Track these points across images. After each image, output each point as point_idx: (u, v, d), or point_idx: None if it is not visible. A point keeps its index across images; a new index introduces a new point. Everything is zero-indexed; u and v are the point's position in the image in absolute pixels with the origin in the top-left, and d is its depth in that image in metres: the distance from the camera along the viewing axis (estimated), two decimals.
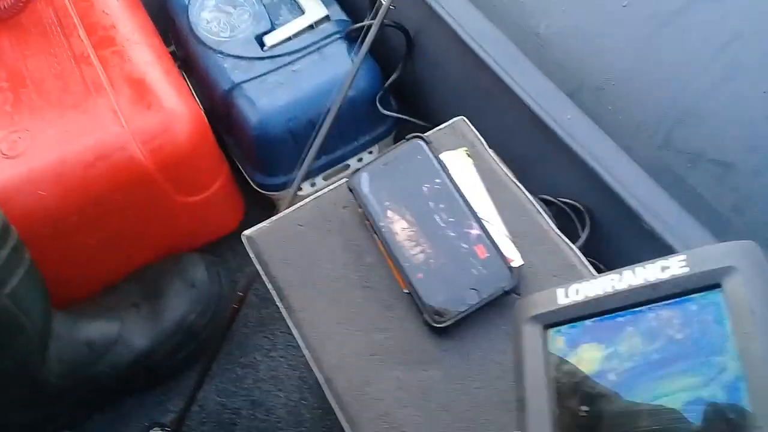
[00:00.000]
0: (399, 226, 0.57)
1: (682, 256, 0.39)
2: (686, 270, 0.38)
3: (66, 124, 0.88)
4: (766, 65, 0.61)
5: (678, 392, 0.36)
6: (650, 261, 0.40)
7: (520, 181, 0.61)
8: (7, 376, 0.85)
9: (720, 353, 0.36)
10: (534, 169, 0.73)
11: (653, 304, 0.39)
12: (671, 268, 0.39)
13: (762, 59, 0.61)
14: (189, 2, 1.05)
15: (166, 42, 1.06)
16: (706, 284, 0.37)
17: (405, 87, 1.00)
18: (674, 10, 0.66)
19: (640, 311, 0.40)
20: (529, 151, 0.76)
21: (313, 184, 1.02)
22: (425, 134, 0.62)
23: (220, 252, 1.07)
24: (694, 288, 0.38)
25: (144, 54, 0.96)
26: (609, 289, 0.41)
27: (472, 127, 0.64)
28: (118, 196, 0.89)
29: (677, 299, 0.38)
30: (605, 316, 0.41)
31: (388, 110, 0.96)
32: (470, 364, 0.53)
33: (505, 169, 0.62)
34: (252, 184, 1.04)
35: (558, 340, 0.43)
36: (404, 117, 0.96)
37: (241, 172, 1.05)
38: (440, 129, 0.65)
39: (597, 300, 0.41)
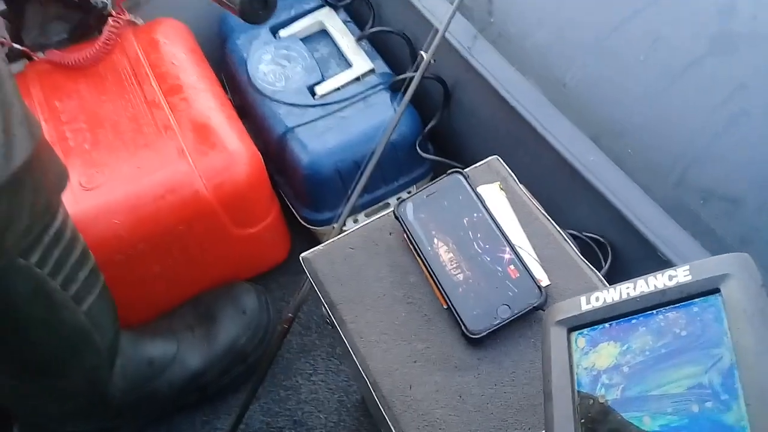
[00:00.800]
0: (440, 250, 0.64)
1: (686, 267, 0.45)
2: (689, 278, 0.45)
3: (138, 161, 0.98)
4: None
5: (682, 379, 0.42)
6: (659, 271, 0.46)
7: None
8: (77, 389, 0.92)
9: (718, 346, 0.42)
10: (560, 206, 0.80)
11: (662, 308, 0.45)
12: (677, 276, 0.45)
13: (765, 107, 0.68)
14: (247, 56, 1.16)
15: (225, 89, 1.16)
16: (706, 289, 0.44)
17: (442, 132, 1.08)
18: (686, 63, 0.74)
19: (651, 314, 0.46)
20: (555, 190, 0.83)
21: (355, 221, 1.10)
22: (464, 170, 0.69)
23: (267, 283, 1.14)
24: (696, 293, 0.44)
25: (208, 100, 1.06)
26: (624, 296, 0.47)
27: (505, 165, 0.72)
28: (183, 227, 0.98)
29: (682, 303, 0.45)
30: (621, 319, 0.47)
31: (426, 153, 1.04)
32: (502, 371, 0.59)
33: (535, 202, 0.69)
34: (299, 219, 1.12)
35: (580, 340, 0.49)
36: (441, 159, 1.04)
37: (290, 209, 1.14)
38: (477, 166, 0.72)
39: (614, 305, 0.48)
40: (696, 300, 0.44)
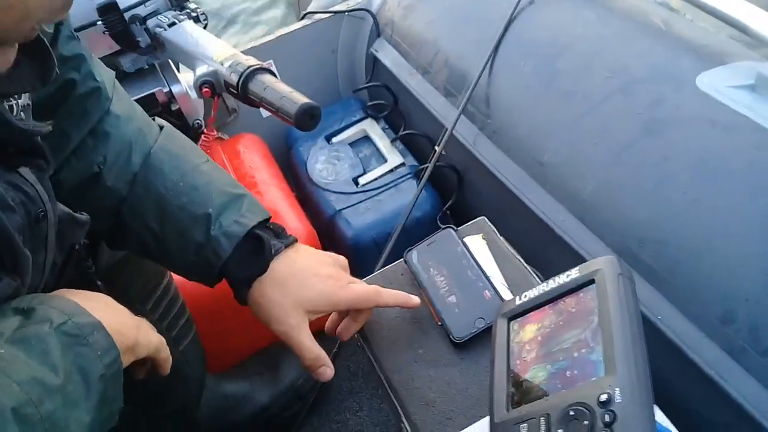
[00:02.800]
0: (436, 282, 0.86)
1: (577, 268, 0.66)
2: (578, 275, 0.65)
3: None
4: None
5: (570, 338, 0.61)
6: (563, 273, 0.67)
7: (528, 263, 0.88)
8: (170, 416, 1.15)
9: (592, 314, 0.61)
10: (537, 257, 1.00)
11: (562, 296, 0.66)
12: (571, 275, 0.66)
13: (686, 179, 0.88)
14: (307, 158, 1.44)
15: (290, 183, 1.44)
16: (587, 280, 0.64)
17: (459, 207, 1.31)
18: (624, 144, 0.96)
19: (556, 301, 0.66)
20: (534, 242, 1.03)
21: None
22: (457, 227, 0.92)
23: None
24: (581, 283, 0.64)
25: (276, 192, 1.34)
26: (541, 292, 0.68)
27: (489, 223, 0.93)
28: None
29: (573, 291, 0.65)
30: (538, 307, 0.67)
31: (445, 225, 1.26)
32: (478, 366, 0.79)
33: (510, 248, 0.90)
34: None
35: (514, 325, 0.69)
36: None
37: None
38: (468, 224, 0.94)
39: (535, 298, 0.68)
40: (581, 288, 0.64)
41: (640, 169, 0.94)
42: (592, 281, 0.63)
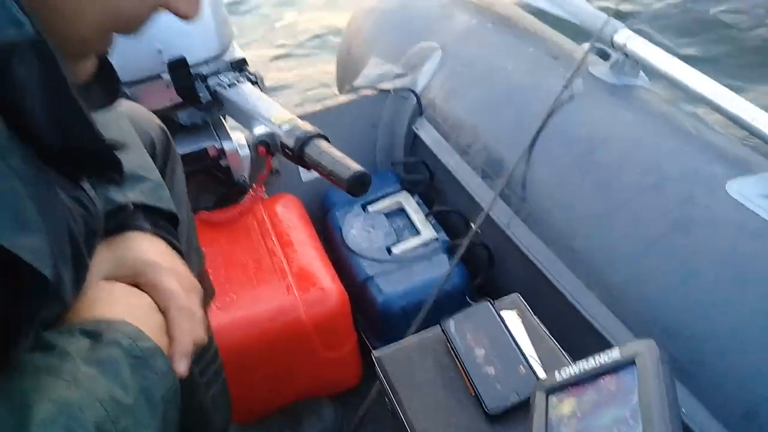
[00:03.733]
0: (472, 353, 0.89)
1: (617, 348, 0.69)
2: (618, 356, 0.69)
3: (257, 293, 1.29)
4: None
5: (610, 415, 0.65)
6: (602, 352, 0.71)
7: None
8: None
9: (631, 393, 0.65)
10: (563, 338, 1.03)
11: (602, 375, 0.69)
12: (612, 355, 0.69)
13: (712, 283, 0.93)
14: (342, 223, 1.50)
15: (324, 245, 1.49)
16: (628, 362, 0.68)
17: (489, 283, 1.35)
18: (651, 239, 1.01)
19: (596, 379, 0.69)
20: (561, 323, 1.07)
21: None
22: (493, 301, 0.96)
23: (342, 401, 1.38)
24: (621, 364, 0.68)
25: (310, 252, 1.38)
26: (581, 370, 0.71)
27: (522, 300, 0.98)
28: (284, 345, 1.26)
29: (613, 370, 0.68)
30: (578, 383, 0.71)
31: (473, 301, 1.31)
32: None
33: (542, 325, 0.93)
34: (372, 349, 1.37)
35: (553, 399, 0.72)
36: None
37: (364, 340, 1.40)
38: (503, 299, 0.98)
39: (575, 375, 0.71)
40: (622, 368, 0.68)
41: (669, 262, 0.99)
42: (632, 363, 0.67)
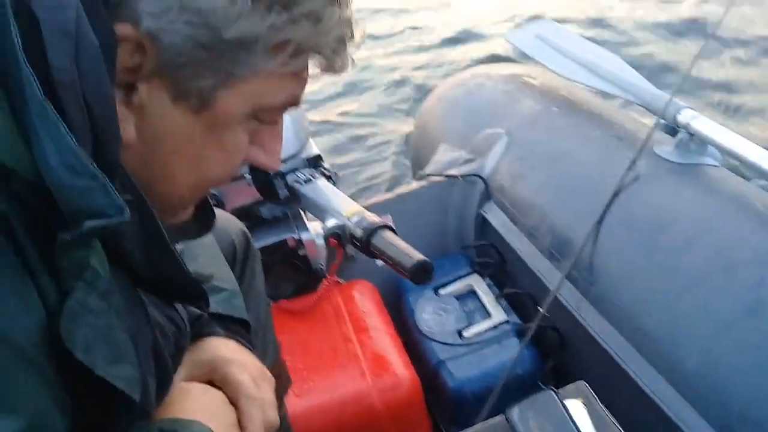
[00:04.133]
0: None
1: None
2: None
3: (333, 379, 1.33)
4: None
5: None
6: None
7: None
8: None
9: None
10: (633, 425, 1.01)
11: None
12: None
13: None
14: (415, 308, 1.53)
15: (397, 329, 1.52)
16: None
17: (560, 367, 1.34)
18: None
19: None
20: (632, 410, 1.05)
21: None
22: (557, 388, 0.96)
23: None
24: None
25: (384, 338, 1.43)
26: None
27: (589, 388, 0.97)
28: (357, 429, 1.29)
29: None
30: None
31: (544, 385, 1.29)
32: None
33: (609, 414, 0.92)
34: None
35: None
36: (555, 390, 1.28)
37: (437, 423, 1.40)
38: (568, 387, 0.98)
39: None
40: None
41: (743, 348, 0.96)
42: None
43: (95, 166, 0.45)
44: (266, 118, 0.57)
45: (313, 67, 0.57)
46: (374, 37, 4.63)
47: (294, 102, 0.58)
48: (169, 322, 0.68)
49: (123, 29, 0.47)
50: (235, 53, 0.50)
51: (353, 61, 0.58)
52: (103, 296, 0.49)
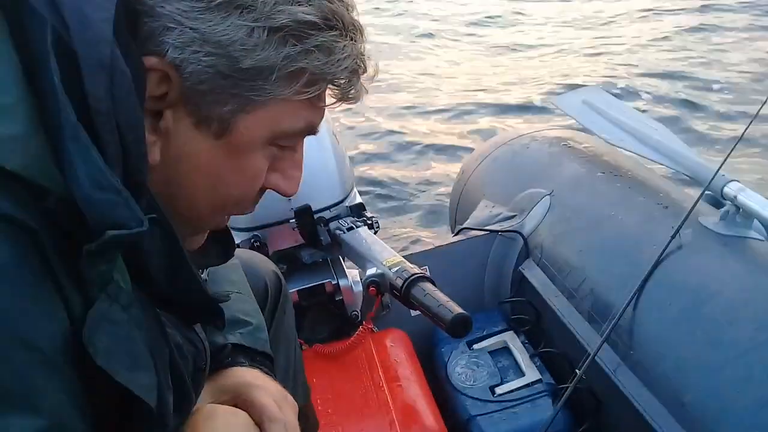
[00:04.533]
0: None
1: None
2: None
3: (362, 425, 1.33)
4: None
5: None
6: None
7: None
8: None
9: None
10: None
11: None
12: None
13: None
14: (448, 360, 1.53)
15: (428, 381, 1.52)
16: None
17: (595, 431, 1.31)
18: None
19: None
20: None
21: None
22: None
23: None
24: None
25: (415, 388, 1.42)
26: None
27: None
28: None
29: None
30: None
31: None
32: None
33: None
34: None
35: None
36: None
37: None
38: None
39: None
40: None
41: None
42: None
43: (119, 182, 0.48)
44: (285, 144, 0.61)
45: (329, 98, 0.61)
46: None
47: (311, 130, 0.61)
48: (188, 342, 0.70)
49: (150, 61, 0.52)
50: (253, 81, 0.54)
51: (367, 91, 0.62)
52: (124, 308, 0.51)
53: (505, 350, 1.55)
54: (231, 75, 0.53)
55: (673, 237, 1.31)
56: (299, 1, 0.54)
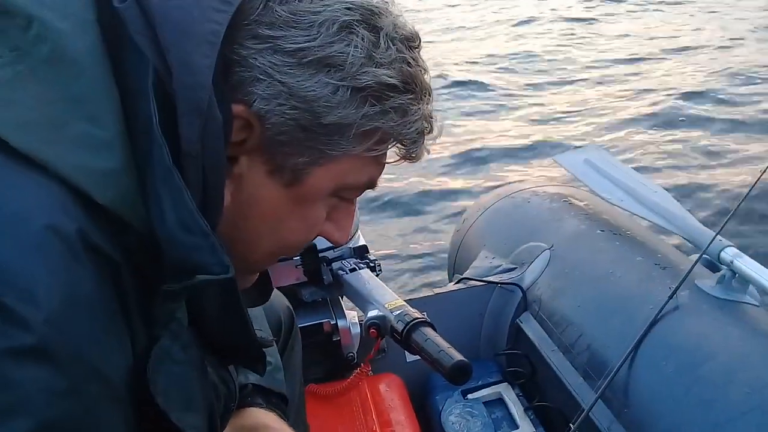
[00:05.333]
0: None
1: None
2: None
3: None
4: None
5: None
6: None
7: None
8: None
9: None
10: None
11: None
12: None
13: None
14: (442, 408, 1.53)
15: (421, 430, 1.52)
16: None
17: None
18: None
19: None
20: None
21: None
22: None
23: None
24: None
25: None
26: None
27: None
28: None
29: None
30: None
31: None
32: None
33: None
34: None
35: None
36: None
37: None
38: None
39: None
40: None
41: None
42: None
43: (208, 227, 0.50)
44: (346, 195, 0.63)
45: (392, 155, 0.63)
46: None
47: (372, 184, 0.64)
48: (222, 383, 0.72)
49: (237, 108, 0.54)
50: (331, 137, 0.56)
51: (428, 152, 0.65)
52: (184, 348, 0.53)
53: (500, 402, 1.55)
54: (311, 129, 0.55)
55: (670, 298, 1.33)
56: (383, 63, 0.56)
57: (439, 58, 6.95)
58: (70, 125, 0.47)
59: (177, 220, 0.48)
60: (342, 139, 0.56)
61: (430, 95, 0.61)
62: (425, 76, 0.60)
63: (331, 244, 1.53)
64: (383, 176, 0.65)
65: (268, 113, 0.54)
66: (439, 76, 6.19)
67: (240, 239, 0.60)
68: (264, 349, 0.89)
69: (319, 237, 1.60)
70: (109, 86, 0.49)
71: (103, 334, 0.46)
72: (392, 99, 0.57)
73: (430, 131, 0.62)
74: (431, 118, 0.62)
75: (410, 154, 0.62)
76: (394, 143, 0.61)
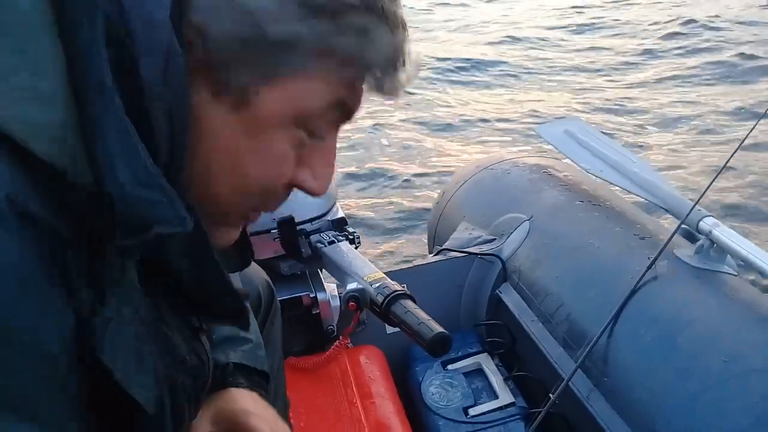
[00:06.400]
0: None
1: None
2: None
3: None
4: None
5: None
6: None
7: None
8: None
9: None
10: None
11: None
12: None
13: None
14: (422, 380, 1.53)
15: (401, 400, 1.51)
16: None
17: None
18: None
19: None
20: None
21: None
22: None
23: None
24: None
25: (388, 406, 1.42)
26: None
27: None
28: None
29: None
30: None
31: None
32: None
33: None
34: None
35: None
36: None
37: None
38: None
39: None
40: None
41: None
42: None
43: (164, 179, 0.46)
44: (313, 129, 0.55)
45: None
46: None
47: (342, 110, 0.56)
48: (194, 355, 0.69)
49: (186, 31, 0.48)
50: (277, 54, 0.50)
51: (404, 89, 0.58)
52: (134, 308, 0.50)
53: (480, 372, 1.56)
54: (256, 44, 0.49)
55: (648, 268, 1.34)
56: None
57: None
58: (16, 76, 0.43)
59: (132, 176, 0.45)
60: (292, 57, 0.51)
61: (403, 27, 0.55)
62: (395, 3, 0.54)
63: (309, 217, 1.54)
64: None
65: (206, 28, 0.48)
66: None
67: (195, 177, 0.53)
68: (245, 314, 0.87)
69: (297, 207, 1.57)
70: (53, 38, 0.45)
71: (34, 303, 0.42)
72: (348, 16, 0.51)
73: (404, 64, 0.56)
74: (405, 51, 0.56)
75: (380, 86, 0.56)
76: (363, 70, 0.55)
